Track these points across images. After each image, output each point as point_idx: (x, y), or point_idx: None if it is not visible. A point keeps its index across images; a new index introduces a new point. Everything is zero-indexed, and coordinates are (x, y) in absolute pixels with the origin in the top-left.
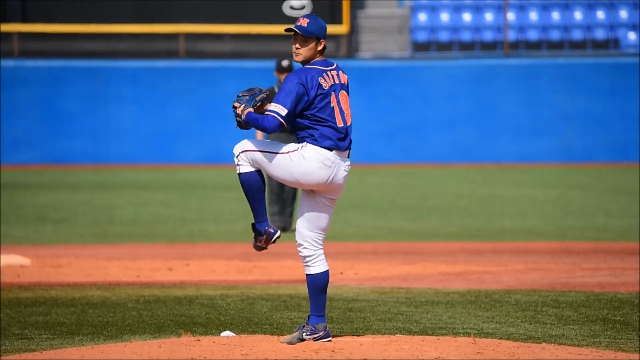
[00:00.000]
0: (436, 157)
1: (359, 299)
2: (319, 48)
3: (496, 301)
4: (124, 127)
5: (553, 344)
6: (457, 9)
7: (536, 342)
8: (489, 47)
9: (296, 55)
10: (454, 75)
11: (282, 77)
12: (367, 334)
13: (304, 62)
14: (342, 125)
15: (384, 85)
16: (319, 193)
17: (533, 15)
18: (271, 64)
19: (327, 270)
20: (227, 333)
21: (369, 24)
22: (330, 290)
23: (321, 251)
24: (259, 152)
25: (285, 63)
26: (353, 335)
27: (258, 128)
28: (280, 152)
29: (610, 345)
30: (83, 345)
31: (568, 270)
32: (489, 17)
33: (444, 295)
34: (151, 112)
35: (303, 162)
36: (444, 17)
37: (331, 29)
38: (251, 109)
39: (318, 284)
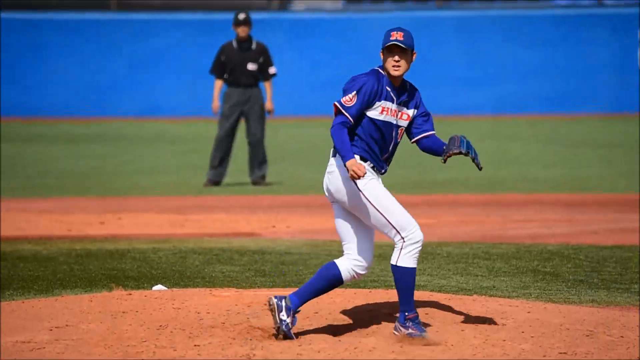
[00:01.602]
0: None
1: (291, 252)
2: (413, 61)
3: (428, 254)
4: (58, 79)
5: (484, 296)
6: None
7: (467, 294)
8: None
9: (396, 69)
10: (387, 27)
11: (239, 29)
12: (299, 286)
13: (401, 75)
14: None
15: (317, 38)
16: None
17: None
18: (205, 17)
19: None
20: (159, 287)
21: None
22: (262, 244)
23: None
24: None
25: (241, 16)
26: (285, 288)
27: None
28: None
29: (540, 296)
30: (13, 299)
31: (500, 223)
32: None
33: (376, 248)
34: (85, 64)
35: None
36: None
37: None
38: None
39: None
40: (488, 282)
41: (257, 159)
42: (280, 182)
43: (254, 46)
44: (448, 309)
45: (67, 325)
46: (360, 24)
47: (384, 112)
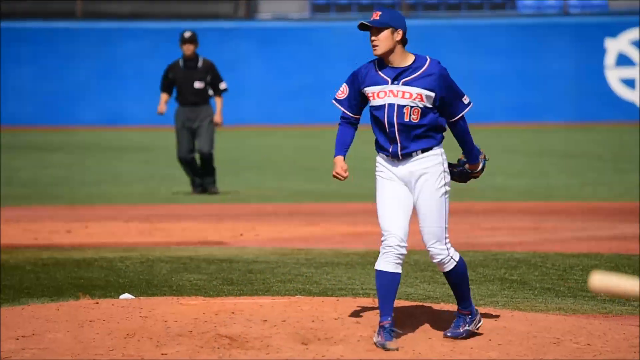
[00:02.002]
0: (336, 118)
1: (259, 260)
2: (397, 39)
3: None
4: (22, 88)
5: (451, 304)
6: None
7: (435, 302)
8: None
9: (374, 49)
10: (353, 36)
11: (185, 48)
12: (267, 295)
13: (385, 55)
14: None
15: (283, 46)
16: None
17: None
18: (171, 25)
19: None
20: (126, 295)
21: None
22: (230, 252)
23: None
24: (445, 219)
25: (187, 34)
26: (253, 296)
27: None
28: (442, 194)
29: (507, 304)
30: None
31: (467, 230)
32: None
33: (343, 257)
34: (49, 73)
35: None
36: None
37: None
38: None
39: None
40: None
41: (207, 173)
42: (247, 191)
43: (200, 64)
44: (415, 317)
45: (33, 334)
46: (326, 32)
47: (376, 98)
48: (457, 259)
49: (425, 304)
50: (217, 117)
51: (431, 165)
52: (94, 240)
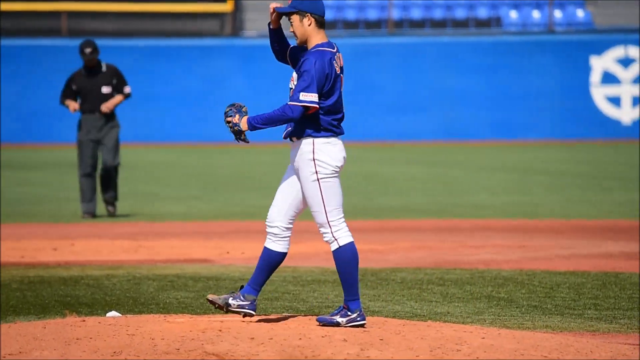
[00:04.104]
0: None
1: (245, 278)
2: (307, 24)
3: (382, 279)
4: (4, 105)
5: (438, 322)
6: None
7: (422, 320)
8: (374, 25)
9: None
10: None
11: (85, 59)
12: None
13: (300, 43)
14: (342, 114)
15: (268, 63)
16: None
17: None
18: (156, 42)
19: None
20: (112, 313)
21: (254, 3)
22: (216, 270)
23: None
24: (324, 204)
25: (87, 50)
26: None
27: (281, 122)
28: (313, 180)
29: (494, 322)
30: None
31: (452, 248)
32: None
33: (330, 274)
34: (32, 90)
35: (330, 167)
36: None
37: (216, 7)
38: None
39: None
40: (442, 308)
41: (109, 187)
42: (232, 209)
43: (104, 69)
44: (403, 334)
45: (20, 352)
46: None
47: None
48: (341, 243)
49: (411, 322)
50: (106, 104)
51: (302, 153)
52: (80, 258)
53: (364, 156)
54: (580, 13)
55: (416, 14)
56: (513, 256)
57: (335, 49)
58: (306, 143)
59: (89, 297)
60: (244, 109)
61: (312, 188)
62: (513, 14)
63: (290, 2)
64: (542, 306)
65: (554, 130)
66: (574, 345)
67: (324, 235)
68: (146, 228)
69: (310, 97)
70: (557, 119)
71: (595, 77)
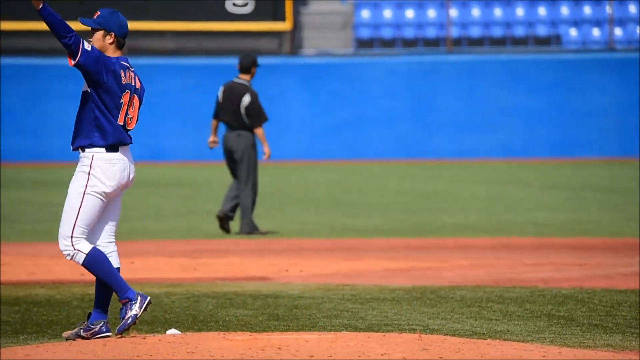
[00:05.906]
0: (378, 153)
1: (304, 295)
2: (109, 41)
3: (441, 297)
4: (65, 124)
5: (498, 340)
6: (400, 6)
7: (481, 338)
8: (432, 43)
9: None
10: (396, 71)
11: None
12: (313, 330)
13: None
14: (122, 124)
15: (326, 81)
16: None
17: (475, 12)
18: (212, 61)
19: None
20: (172, 331)
21: (312, 21)
22: (275, 287)
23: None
24: (75, 218)
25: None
26: (299, 332)
27: (60, 29)
28: (77, 192)
29: (555, 340)
30: (28, 344)
31: (511, 266)
32: (431, 13)
33: (389, 292)
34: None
35: (103, 179)
36: (387, 13)
37: (274, 25)
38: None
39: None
40: (502, 326)
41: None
42: (288, 226)
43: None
44: (462, 353)
45: None
46: (370, 68)
47: None
48: (85, 251)
49: (471, 340)
50: None
51: (79, 166)
52: (139, 275)
53: (423, 174)
54: None
55: (475, 31)
56: (572, 274)
57: (129, 65)
58: (87, 157)
59: (149, 315)
60: None
61: (74, 200)
62: (573, 32)
63: (96, 15)
64: (603, 325)
65: (613, 148)
66: None
67: (63, 250)
68: (202, 245)
69: (86, 46)
70: (616, 137)
71: None
